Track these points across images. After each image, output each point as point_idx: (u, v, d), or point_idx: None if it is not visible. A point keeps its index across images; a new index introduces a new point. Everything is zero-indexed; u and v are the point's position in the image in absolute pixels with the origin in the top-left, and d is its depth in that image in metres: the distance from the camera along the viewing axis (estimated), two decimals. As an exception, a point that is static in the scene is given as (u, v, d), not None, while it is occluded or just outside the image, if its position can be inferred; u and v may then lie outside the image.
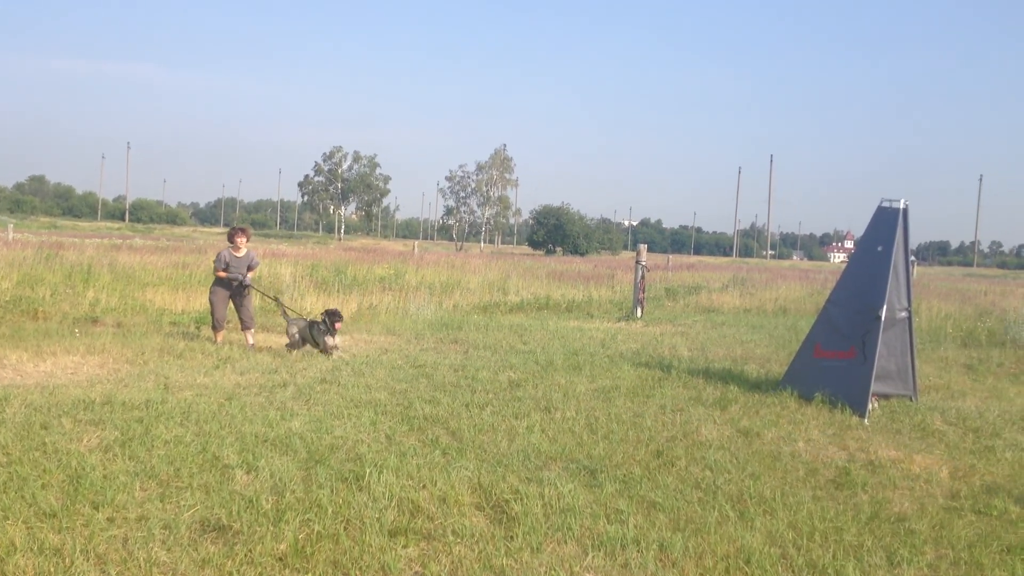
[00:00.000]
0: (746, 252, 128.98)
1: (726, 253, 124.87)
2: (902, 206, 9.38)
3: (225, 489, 5.31)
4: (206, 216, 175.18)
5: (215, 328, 12.16)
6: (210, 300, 12.21)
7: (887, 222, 9.44)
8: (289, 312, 12.53)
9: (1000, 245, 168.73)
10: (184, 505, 5.01)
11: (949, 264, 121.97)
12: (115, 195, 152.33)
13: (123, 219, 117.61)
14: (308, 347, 11.53)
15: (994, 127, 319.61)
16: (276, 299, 13.27)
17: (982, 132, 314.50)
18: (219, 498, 5.13)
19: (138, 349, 10.82)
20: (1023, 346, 14.81)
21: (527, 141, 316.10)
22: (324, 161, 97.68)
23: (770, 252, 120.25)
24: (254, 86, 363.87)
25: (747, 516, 5.33)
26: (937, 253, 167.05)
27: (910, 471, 6.65)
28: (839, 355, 9.34)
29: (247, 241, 12.37)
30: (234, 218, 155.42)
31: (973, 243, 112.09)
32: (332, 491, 5.35)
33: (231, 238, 12.30)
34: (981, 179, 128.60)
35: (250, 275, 12.23)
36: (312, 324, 11.51)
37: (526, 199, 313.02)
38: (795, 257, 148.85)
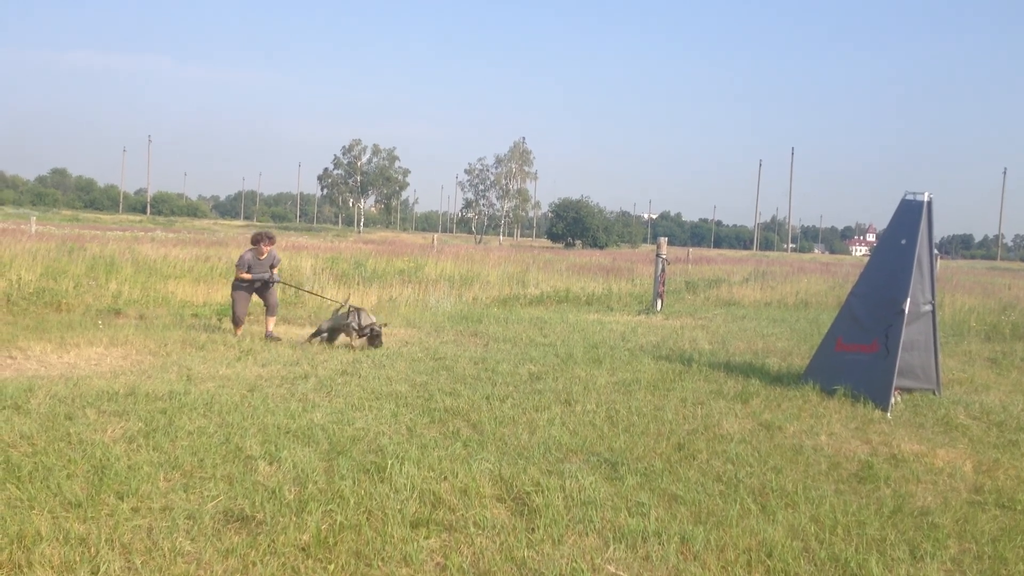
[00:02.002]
0: (766, 245, 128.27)
1: (746, 246, 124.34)
2: (926, 199, 9.30)
3: (248, 480, 5.35)
4: (226, 209, 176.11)
5: (236, 323, 12.29)
6: (232, 297, 12.41)
7: (911, 215, 9.36)
8: (337, 305, 12.51)
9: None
10: (208, 495, 5.04)
11: (972, 257, 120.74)
12: (136, 188, 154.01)
13: (144, 212, 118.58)
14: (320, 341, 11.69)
15: (1018, 119, 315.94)
16: (338, 302, 13.19)
17: (1006, 124, 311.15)
18: (242, 489, 5.16)
19: (160, 341, 10.91)
20: (1048, 340, 14.66)
21: (546, 134, 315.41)
22: (343, 154, 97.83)
23: (791, 245, 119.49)
24: (274, 79, 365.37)
25: (769, 509, 5.31)
26: (960, 246, 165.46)
27: (933, 465, 6.60)
28: (861, 348, 9.27)
29: (270, 247, 12.58)
30: (254, 211, 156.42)
31: (997, 236, 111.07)
32: (354, 482, 5.37)
33: (256, 243, 12.41)
34: (1005, 172, 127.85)
35: (275, 271, 12.53)
36: (351, 311, 11.55)
37: (545, 192, 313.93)
38: (816, 250, 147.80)
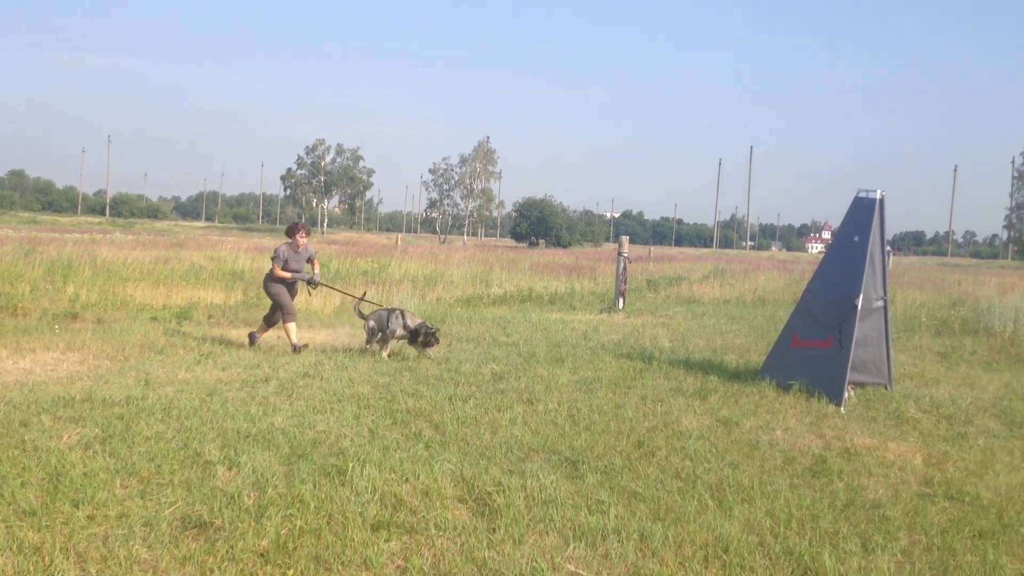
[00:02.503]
0: (726, 243, 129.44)
1: (707, 244, 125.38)
2: (878, 196, 9.47)
3: (206, 485, 5.32)
4: (187, 210, 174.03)
5: (288, 320, 11.13)
6: (271, 294, 11.26)
7: (864, 212, 9.52)
8: (362, 305, 11.65)
9: (974, 235, 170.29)
10: (165, 502, 5.01)
11: (924, 254, 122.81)
12: (96, 189, 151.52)
13: (104, 213, 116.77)
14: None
15: (969, 118, 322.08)
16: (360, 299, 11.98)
17: (958, 123, 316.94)
18: (200, 494, 5.14)
19: (118, 345, 10.78)
20: (995, 334, 14.98)
21: (511, 134, 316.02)
22: (307, 154, 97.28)
23: (749, 243, 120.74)
24: (236, 79, 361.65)
25: (726, 505, 5.40)
26: (913, 243, 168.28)
27: (885, 458, 6.74)
28: (816, 344, 9.43)
29: (307, 238, 11.52)
30: (216, 212, 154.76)
31: (948, 233, 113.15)
32: (314, 486, 5.37)
33: (291, 234, 11.37)
34: (956, 170, 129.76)
35: (316, 268, 11.55)
36: (391, 312, 10.84)
37: (509, 192, 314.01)
38: (774, 248, 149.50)
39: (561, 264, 30.68)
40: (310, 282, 11.34)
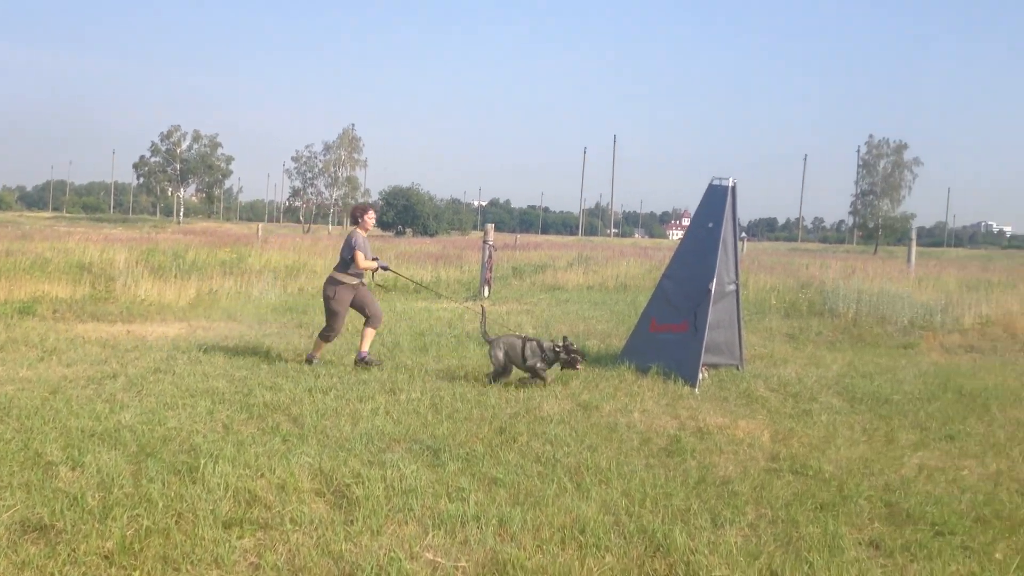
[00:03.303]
0: (591, 231, 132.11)
1: (572, 232, 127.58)
2: (731, 184, 9.84)
3: (48, 487, 5.06)
4: (33, 200, 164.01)
5: (330, 338, 9.66)
6: (336, 300, 9.52)
7: (717, 199, 9.88)
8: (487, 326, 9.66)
9: (822, 221, 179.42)
10: (3, 505, 4.73)
11: (777, 239, 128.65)
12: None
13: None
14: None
15: (817, 109, 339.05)
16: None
17: (807, 113, 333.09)
18: (41, 496, 4.88)
19: (-49, 343, 10.09)
20: (839, 315, 15.85)
21: (378, 122, 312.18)
22: (161, 141, 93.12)
23: (613, 231, 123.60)
24: (85, 63, 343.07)
25: (584, 487, 5.51)
26: (766, 229, 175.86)
27: (735, 436, 7.03)
28: (673, 328, 9.74)
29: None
30: (63, 202, 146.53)
31: (798, 219, 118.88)
32: (163, 484, 5.17)
33: (359, 217, 9.73)
34: (806, 158, 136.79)
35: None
36: (526, 341, 8.93)
37: (376, 180, 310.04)
38: (637, 235, 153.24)
39: (427, 252, 30.56)
40: (385, 268, 9.95)
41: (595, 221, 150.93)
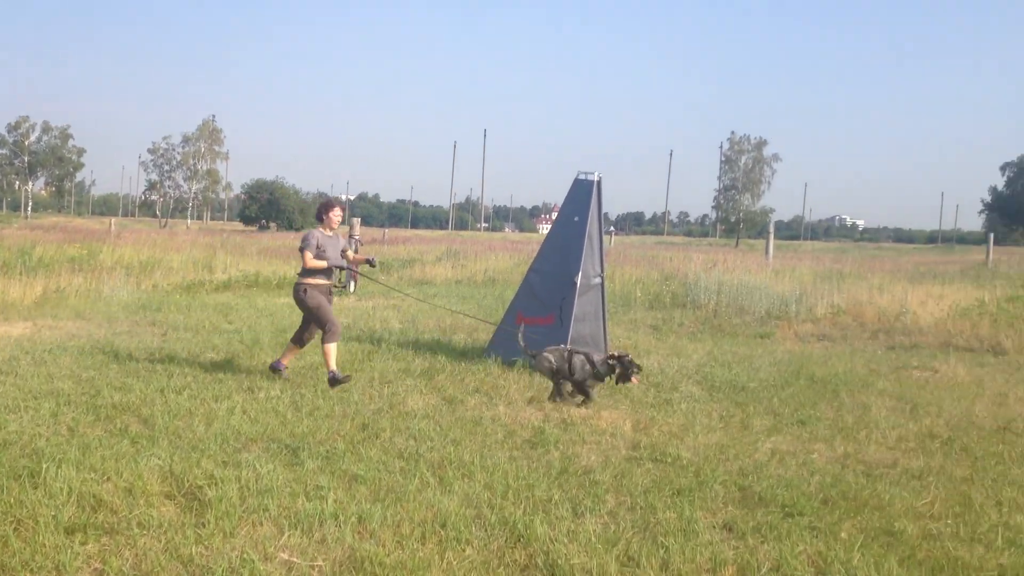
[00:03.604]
0: (461, 225, 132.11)
1: (443, 226, 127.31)
2: (596, 178, 9.97)
3: None
4: None
5: (331, 339, 8.57)
6: (309, 306, 8.73)
7: (583, 193, 9.99)
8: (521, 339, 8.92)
9: (687, 215, 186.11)
10: None
11: (644, 233, 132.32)
12: None
13: None
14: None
15: (683, 106, 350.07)
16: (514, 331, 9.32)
17: (672, 111, 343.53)
18: None
19: None
20: (701, 307, 16.37)
21: (240, 114, 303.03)
22: (8, 132, 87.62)
23: (484, 225, 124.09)
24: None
25: (446, 481, 5.45)
26: (634, 223, 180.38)
27: (598, 426, 7.12)
28: (539, 321, 9.79)
29: (341, 217, 9.19)
30: None
31: (664, 214, 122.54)
32: (2, 490, 4.84)
33: (324, 214, 8.90)
34: (672, 154, 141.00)
35: (348, 254, 9.09)
36: (573, 354, 8.18)
37: (239, 174, 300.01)
38: (507, 229, 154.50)
39: (292, 248, 29.78)
40: (370, 263, 9.15)
41: (465, 215, 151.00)
